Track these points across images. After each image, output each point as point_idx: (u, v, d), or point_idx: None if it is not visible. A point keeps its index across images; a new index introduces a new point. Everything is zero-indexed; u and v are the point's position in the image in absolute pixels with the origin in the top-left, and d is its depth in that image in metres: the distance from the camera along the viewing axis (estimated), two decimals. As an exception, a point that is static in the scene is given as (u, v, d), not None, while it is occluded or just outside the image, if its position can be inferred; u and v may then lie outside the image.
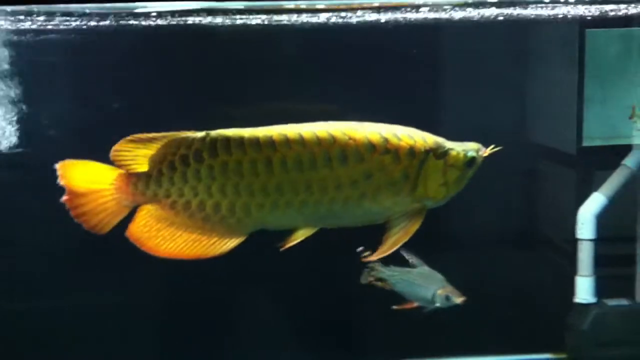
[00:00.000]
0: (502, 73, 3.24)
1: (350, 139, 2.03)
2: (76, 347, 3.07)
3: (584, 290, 3.14)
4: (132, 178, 2.06)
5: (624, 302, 3.21)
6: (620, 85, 3.14)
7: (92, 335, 3.08)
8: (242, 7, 2.36)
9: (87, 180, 2.07)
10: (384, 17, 2.46)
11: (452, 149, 2.10)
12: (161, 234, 2.09)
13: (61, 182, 2.04)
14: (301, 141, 2.03)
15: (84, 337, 3.07)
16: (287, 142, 2.03)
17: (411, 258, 2.63)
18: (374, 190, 2.06)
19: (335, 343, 3.21)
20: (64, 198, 2.04)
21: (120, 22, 2.51)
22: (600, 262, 3.15)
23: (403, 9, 2.43)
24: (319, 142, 2.03)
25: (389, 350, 3.19)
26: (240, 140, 2.04)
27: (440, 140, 2.11)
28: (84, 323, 3.08)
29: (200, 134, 2.05)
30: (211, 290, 3.10)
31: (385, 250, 2.08)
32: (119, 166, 2.06)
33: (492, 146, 2.13)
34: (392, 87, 2.96)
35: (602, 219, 3.14)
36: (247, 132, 2.05)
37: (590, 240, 3.12)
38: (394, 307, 2.61)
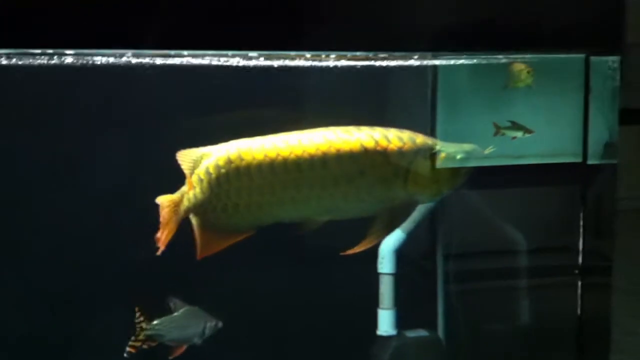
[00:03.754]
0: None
1: (344, 142, 2.38)
2: None
3: (385, 322, 3.25)
4: (177, 199, 2.43)
5: (423, 332, 3.35)
6: (475, 110, 3.18)
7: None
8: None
9: (169, 210, 2.42)
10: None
11: (442, 150, 2.41)
12: (200, 238, 2.44)
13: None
14: (300, 146, 2.38)
15: None
16: (288, 147, 2.37)
17: (173, 301, 2.62)
18: (369, 186, 2.40)
19: None
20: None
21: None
22: (401, 295, 3.28)
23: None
24: (316, 146, 2.37)
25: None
26: (249, 149, 2.39)
27: (432, 141, 2.44)
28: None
29: (212, 148, 2.40)
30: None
31: (366, 244, 2.45)
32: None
33: (490, 147, 2.42)
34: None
35: (401, 253, 3.26)
36: (254, 141, 2.41)
37: (390, 274, 3.24)
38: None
